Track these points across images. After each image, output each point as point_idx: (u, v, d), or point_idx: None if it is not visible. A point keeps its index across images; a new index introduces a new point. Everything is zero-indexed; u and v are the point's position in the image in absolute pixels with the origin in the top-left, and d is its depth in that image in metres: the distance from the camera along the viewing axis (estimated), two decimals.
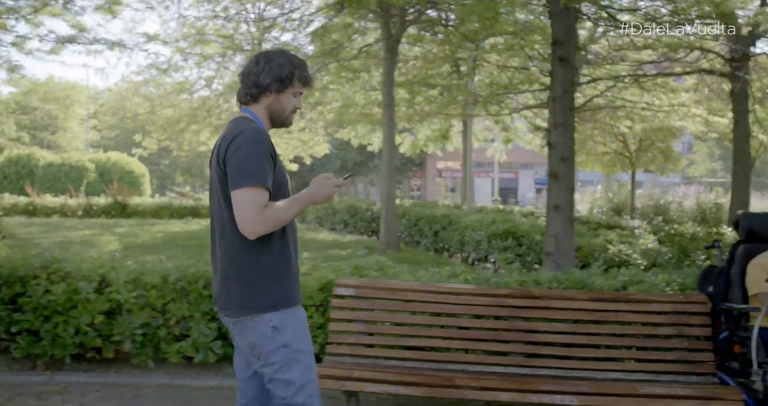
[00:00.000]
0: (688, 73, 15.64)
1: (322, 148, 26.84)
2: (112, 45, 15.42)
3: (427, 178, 57.85)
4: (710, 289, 4.91)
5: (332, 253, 11.76)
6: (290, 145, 25.97)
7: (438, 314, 5.02)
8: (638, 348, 4.83)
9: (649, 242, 8.60)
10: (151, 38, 17.69)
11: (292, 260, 2.97)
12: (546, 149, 7.63)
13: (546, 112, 22.52)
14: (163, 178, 60.13)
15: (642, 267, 7.77)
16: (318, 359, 4.94)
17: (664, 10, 9.01)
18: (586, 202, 27.76)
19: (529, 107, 18.09)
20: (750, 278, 4.64)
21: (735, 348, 4.53)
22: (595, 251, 8.62)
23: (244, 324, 2.88)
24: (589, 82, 17.32)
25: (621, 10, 8.58)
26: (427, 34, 14.74)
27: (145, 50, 30.04)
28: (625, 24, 8.55)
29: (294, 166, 27.89)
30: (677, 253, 8.03)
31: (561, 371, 4.69)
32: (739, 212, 5.05)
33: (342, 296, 5.06)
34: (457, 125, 24.78)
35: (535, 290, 4.99)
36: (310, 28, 14.70)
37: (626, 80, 15.82)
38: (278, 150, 26.63)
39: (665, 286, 5.51)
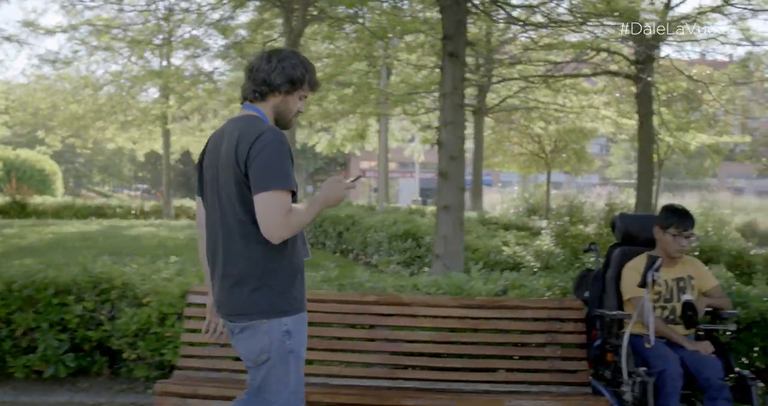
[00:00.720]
0: (594, 75, 15.76)
1: None
2: (8, 37, 14.62)
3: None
4: (586, 294, 4.69)
5: None
6: (202, 143, 25.19)
7: None
8: (511, 357, 4.57)
9: (545, 243, 8.46)
10: (49, 31, 16.85)
11: (302, 262, 2.96)
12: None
13: (465, 112, 22.64)
14: (79, 177, 58.11)
15: (535, 270, 7.59)
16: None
17: (561, 9, 8.89)
18: (504, 202, 27.89)
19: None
20: (624, 282, 4.43)
21: (607, 356, 4.31)
22: (491, 253, 8.41)
23: (256, 329, 2.82)
24: (499, 82, 17.34)
25: (514, 6, 8.39)
26: (334, 29, 14.36)
27: (40, 43, 28.80)
28: (522, 22, 8.38)
29: None
30: (569, 255, 7.90)
31: (428, 383, 4.38)
32: (616, 213, 4.84)
33: (196, 305, 4.64)
34: (375, 125, 24.53)
35: (404, 297, 4.68)
36: (213, 21, 14.14)
37: (535, 81, 15.84)
38: (196, 149, 25.90)
39: (546, 290, 5.28)
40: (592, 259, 7.08)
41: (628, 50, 15.46)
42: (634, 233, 4.67)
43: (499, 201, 28.95)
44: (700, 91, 19.02)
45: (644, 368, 3.92)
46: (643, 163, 14.46)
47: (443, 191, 7.18)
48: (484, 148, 24.58)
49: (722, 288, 4.55)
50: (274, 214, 2.66)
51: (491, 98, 20.88)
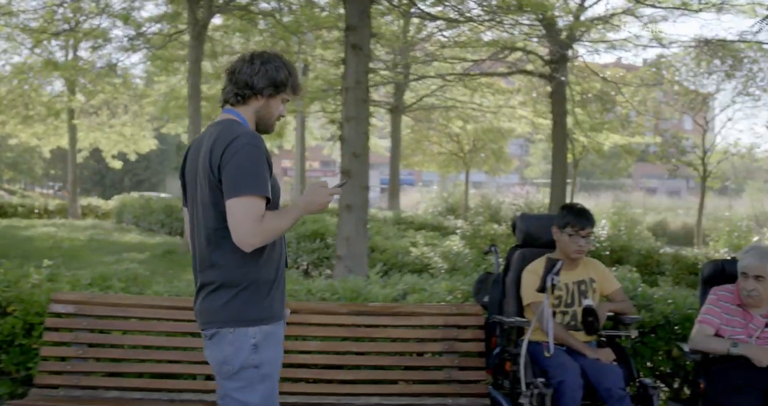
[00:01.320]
0: (510, 74, 15.74)
1: (148, 144, 25.25)
2: None
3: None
4: (486, 299, 4.42)
5: (129, 256, 10.69)
6: (111, 140, 24.24)
7: (173, 334, 4.24)
8: (406, 368, 4.27)
9: (455, 244, 8.23)
10: None
11: (280, 272, 2.83)
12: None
13: (382, 110, 22.37)
14: None
15: (442, 271, 7.34)
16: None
17: (471, 4, 8.69)
18: (423, 201, 27.83)
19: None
20: (524, 286, 4.18)
21: (506, 365, 4.05)
22: (398, 254, 8.13)
23: (222, 337, 2.69)
24: (416, 79, 17.15)
25: None
26: (245, 22, 13.87)
27: None
28: (433, 16, 8.12)
29: (118, 164, 26.10)
30: (477, 256, 7.69)
31: (315, 398, 4.04)
32: (518, 213, 4.60)
33: (58, 315, 4.18)
34: (294, 122, 24.05)
35: (291, 303, 4.31)
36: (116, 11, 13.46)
37: (452, 79, 15.70)
38: (106, 145, 24.86)
39: (448, 294, 4.99)
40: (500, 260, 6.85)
41: (543, 50, 15.49)
42: (536, 234, 4.43)
43: (419, 200, 28.90)
44: (613, 93, 19.30)
45: (542, 379, 3.68)
46: (558, 163, 14.50)
47: (346, 190, 6.84)
48: (404, 147, 24.45)
49: (626, 291, 4.35)
50: (245, 220, 2.56)
51: (409, 97, 20.72)
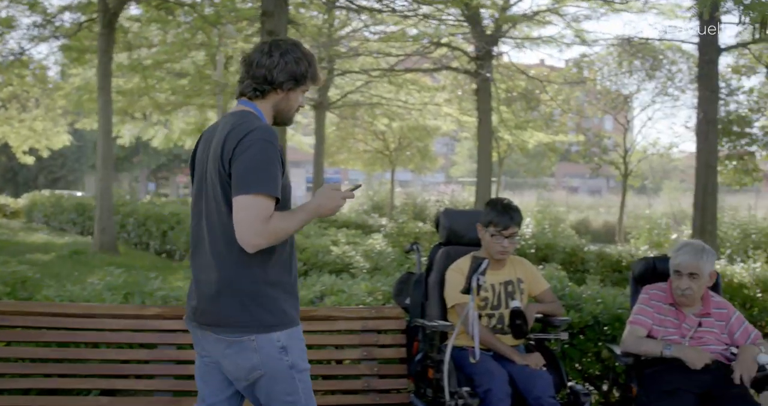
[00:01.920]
0: (435, 70, 15.57)
1: (61, 140, 24.11)
2: None
3: None
4: (407, 301, 4.12)
5: (33, 258, 10.01)
6: (21, 135, 23.04)
7: (65, 344, 3.78)
8: (322, 377, 3.92)
9: (377, 242, 7.94)
10: None
11: (293, 274, 2.71)
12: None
13: (306, 106, 21.89)
14: None
15: (364, 271, 7.01)
16: None
17: None
18: (349, 200, 27.43)
19: None
20: (447, 287, 3.89)
21: (429, 373, 3.75)
22: (318, 253, 7.77)
23: (244, 345, 2.56)
24: (341, 74, 16.81)
25: None
26: (161, 12, 13.27)
27: None
28: (355, 8, 7.80)
29: (30, 160, 24.84)
30: (400, 255, 7.41)
31: None
32: (441, 209, 4.30)
33: None
34: (216, 118, 23.35)
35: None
36: None
37: (377, 75, 15.43)
38: (15, 141, 23.60)
39: (368, 296, 4.67)
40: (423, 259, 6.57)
41: (468, 47, 15.38)
42: (460, 231, 4.14)
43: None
44: (537, 92, 19.44)
45: (467, 388, 3.40)
46: (483, 161, 14.41)
47: None
48: (329, 145, 24.04)
49: (554, 290, 4.11)
50: (251, 219, 2.45)
51: (334, 94, 20.34)
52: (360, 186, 2.89)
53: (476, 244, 4.04)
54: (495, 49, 14.00)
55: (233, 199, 2.50)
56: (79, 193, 27.29)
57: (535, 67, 21.08)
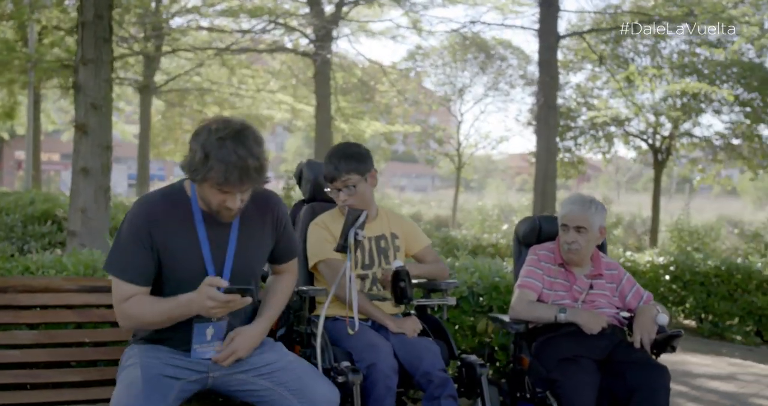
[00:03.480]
0: (272, 51, 14.83)
1: None
2: None
3: (5, 171, 50.46)
4: (266, 269, 3.45)
5: None
6: None
7: None
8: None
9: None
10: None
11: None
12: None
13: (129, 90, 20.26)
14: None
15: None
16: None
17: None
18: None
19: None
20: (311, 242, 3.26)
21: (295, 349, 3.11)
22: None
23: None
24: (170, 53, 15.65)
25: None
26: None
27: None
28: None
29: None
30: None
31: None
32: (302, 160, 3.67)
33: None
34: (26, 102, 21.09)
35: None
36: None
37: (209, 53, 14.46)
38: None
39: None
40: None
41: (307, 30, 14.82)
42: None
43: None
44: (373, 83, 19.28)
45: (347, 363, 2.79)
46: (321, 147, 13.88)
47: (81, 150, 5.49)
48: (154, 135, 22.48)
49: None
50: (114, 299, 2.44)
51: (161, 79, 18.92)
52: (250, 291, 2.36)
53: None
54: (335, 30, 13.51)
55: None
56: None
57: (371, 60, 20.93)
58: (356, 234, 2.90)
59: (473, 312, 4.23)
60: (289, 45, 14.47)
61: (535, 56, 11.66)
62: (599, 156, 17.64)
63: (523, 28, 15.93)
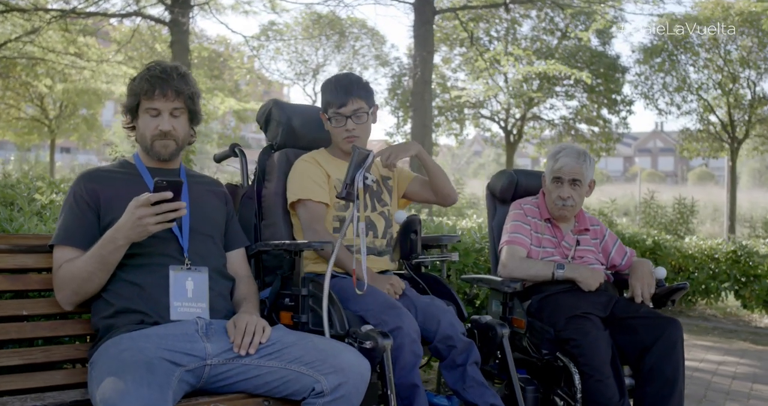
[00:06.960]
0: (125, 16, 13.66)
1: None
2: None
3: None
4: None
5: None
6: None
7: None
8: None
9: None
10: None
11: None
12: None
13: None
14: None
15: None
16: None
17: None
18: None
19: None
20: (293, 179, 2.80)
21: (284, 318, 2.64)
22: None
23: None
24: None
25: None
26: None
27: None
28: None
29: None
30: None
31: None
32: (270, 101, 3.16)
33: None
34: None
35: None
36: None
37: (50, 16, 13.04)
38: None
39: None
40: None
41: None
42: (301, 130, 3.06)
43: None
44: (222, 59, 18.57)
45: (369, 326, 2.38)
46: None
47: None
48: None
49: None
50: (53, 272, 2.23)
51: None
52: (179, 183, 2.05)
53: (316, 147, 3.01)
54: None
55: None
56: None
57: (222, 36, 20.05)
58: (365, 178, 2.48)
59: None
60: (145, 10, 13.33)
61: (391, 37, 11.56)
62: (452, 138, 17.95)
63: (400, 1, 15.74)
